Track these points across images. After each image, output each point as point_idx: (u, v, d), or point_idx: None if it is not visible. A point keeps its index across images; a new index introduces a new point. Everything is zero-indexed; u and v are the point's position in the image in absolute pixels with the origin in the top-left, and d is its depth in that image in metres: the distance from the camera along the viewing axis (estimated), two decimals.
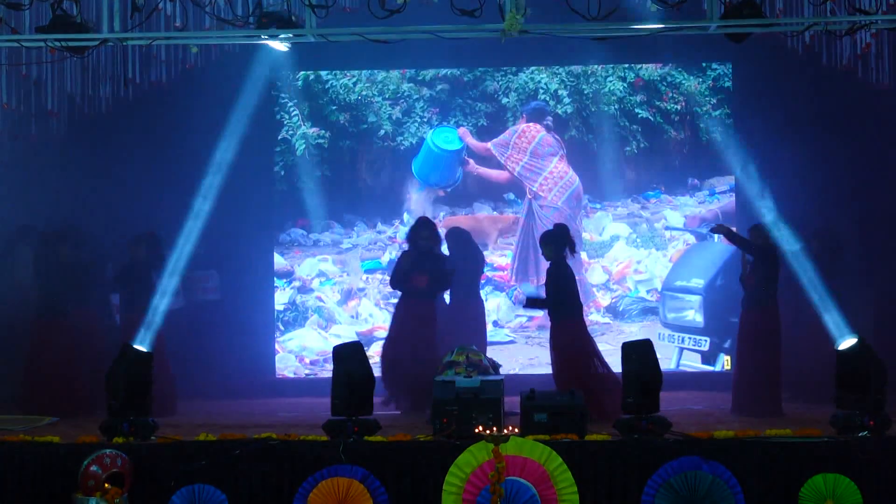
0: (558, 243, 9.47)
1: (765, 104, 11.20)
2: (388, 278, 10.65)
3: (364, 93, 11.73)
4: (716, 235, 10.37)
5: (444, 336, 10.05)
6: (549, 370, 9.62)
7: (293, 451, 7.60)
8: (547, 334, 11.29)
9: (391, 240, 11.79)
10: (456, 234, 10.87)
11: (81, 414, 9.29)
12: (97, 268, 10.28)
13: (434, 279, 10.12)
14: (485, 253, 11.41)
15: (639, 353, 8.01)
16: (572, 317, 9.41)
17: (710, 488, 7.36)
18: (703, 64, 11.58)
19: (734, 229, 10.16)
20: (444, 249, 10.60)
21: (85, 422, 8.74)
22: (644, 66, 11.60)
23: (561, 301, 9.40)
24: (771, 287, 9.40)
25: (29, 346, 9.94)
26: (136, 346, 8.35)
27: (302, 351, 11.70)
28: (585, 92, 11.67)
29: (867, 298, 10.14)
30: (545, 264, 11.52)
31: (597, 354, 9.40)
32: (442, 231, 11.29)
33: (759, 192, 9.99)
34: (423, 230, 10.19)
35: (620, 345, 8.24)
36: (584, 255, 11.64)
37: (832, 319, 8.65)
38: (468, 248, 10.79)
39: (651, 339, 8.22)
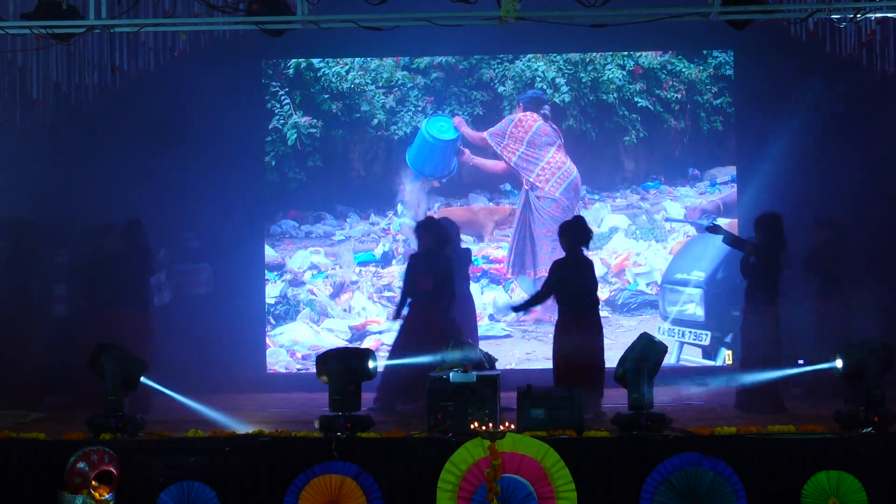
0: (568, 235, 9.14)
1: (767, 93, 11.12)
2: (381, 271, 10.39)
3: (357, 81, 11.57)
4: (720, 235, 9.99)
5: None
6: (546, 365, 9.46)
7: (284, 447, 7.55)
8: (544, 329, 11.15)
9: (384, 231, 11.66)
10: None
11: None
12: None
13: (438, 280, 9.55)
14: (480, 245, 11.23)
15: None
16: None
17: (710, 486, 7.28)
18: (704, 52, 11.45)
19: (727, 229, 9.83)
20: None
21: (71, 418, 8.63)
22: (644, 53, 11.45)
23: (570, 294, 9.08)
24: (775, 281, 9.20)
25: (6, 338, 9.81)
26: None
27: (293, 345, 11.54)
28: (583, 80, 11.52)
29: (875, 294, 9.97)
30: (542, 256, 11.34)
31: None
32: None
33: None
34: (421, 231, 9.76)
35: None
36: None
37: None
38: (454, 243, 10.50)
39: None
